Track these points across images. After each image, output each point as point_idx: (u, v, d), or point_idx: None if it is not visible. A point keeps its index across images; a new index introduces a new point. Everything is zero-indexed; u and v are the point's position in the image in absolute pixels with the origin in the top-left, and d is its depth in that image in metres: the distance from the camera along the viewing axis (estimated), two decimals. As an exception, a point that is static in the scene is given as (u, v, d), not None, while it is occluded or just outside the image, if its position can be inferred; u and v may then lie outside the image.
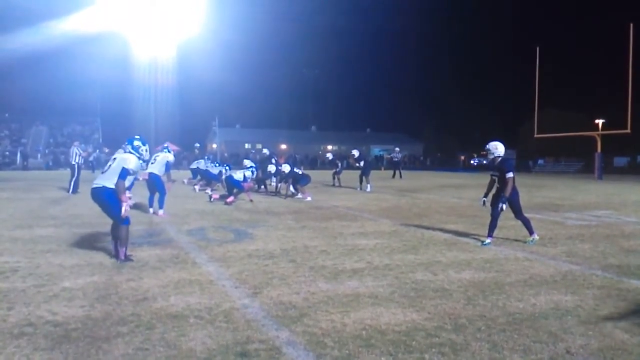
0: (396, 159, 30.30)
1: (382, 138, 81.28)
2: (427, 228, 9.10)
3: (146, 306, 4.34)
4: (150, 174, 10.65)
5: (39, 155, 47.30)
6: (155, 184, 10.64)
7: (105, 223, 9.13)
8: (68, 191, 15.95)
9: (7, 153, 47.89)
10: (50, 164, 45.58)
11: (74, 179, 16.02)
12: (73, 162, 16.28)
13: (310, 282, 5.22)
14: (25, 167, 42.38)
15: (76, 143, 17.43)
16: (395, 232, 8.57)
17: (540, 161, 57.66)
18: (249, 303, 4.46)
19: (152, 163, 10.66)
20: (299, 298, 4.63)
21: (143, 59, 59.56)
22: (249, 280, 5.26)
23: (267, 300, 4.54)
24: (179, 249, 6.83)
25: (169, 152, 11.61)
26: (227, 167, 16.31)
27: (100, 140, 56.60)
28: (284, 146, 68.12)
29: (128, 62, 59.02)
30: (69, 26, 54.40)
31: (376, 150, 74.96)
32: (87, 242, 7.26)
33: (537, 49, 34.37)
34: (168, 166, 10.92)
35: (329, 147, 76.17)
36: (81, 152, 16.86)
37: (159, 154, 11.17)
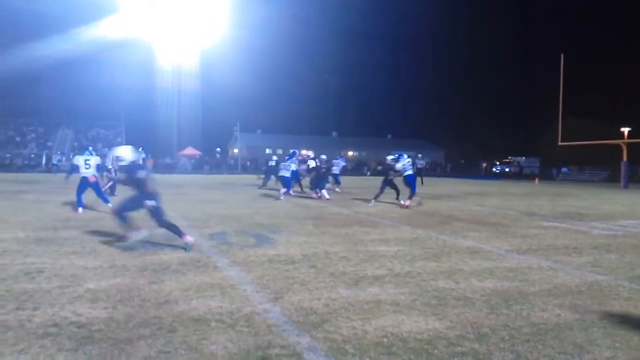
0: (420, 166, 30.55)
1: (403, 144, 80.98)
2: (449, 235, 9.02)
3: (168, 309, 4.37)
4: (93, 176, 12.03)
5: (59, 159, 48.02)
6: (96, 184, 12.12)
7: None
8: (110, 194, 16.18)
9: (33, 155, 48.83)
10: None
11: (110, 183, 16.48)
12: (110, 167, 16.64)
13: (331, 288, 5.20)
14: (50, 170, 43.16)
15: (114, 149, 17.76)
16: (417, 239, 8.51)
17: (564, 169, 56.91)
18: (270, 308, 4.47)
19: (87, 168, 12.00)
20: (320, 304, 4.62)
21: (167, 64, 60.51)
22: (270, 285, 5.27)
23: (288, 306, 4.54)
24: (200, 253, 6.87)
25: (97, 155, 13.24)
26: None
27: (124, 144, 57.34)
28: (304, 151, 68.29)
29: (152, 68, 60.05)
30: (95, 33, 55.49)
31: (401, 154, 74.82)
32: (110, 245, 7.35)
33: (562, 56, 33.99)
34: (99, 167, 12.52)
35: (350, 153, 76.15)
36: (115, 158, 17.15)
37: (90, 158, 12.35)
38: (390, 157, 15.95)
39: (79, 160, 12.52)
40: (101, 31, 57.47)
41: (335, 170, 21.38)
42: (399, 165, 15.04)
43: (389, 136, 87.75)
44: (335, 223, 10.43)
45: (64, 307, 4.37)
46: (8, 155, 47.92)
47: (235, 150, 68.64)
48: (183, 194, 18.36)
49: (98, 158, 12.78)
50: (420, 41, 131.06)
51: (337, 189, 20.78)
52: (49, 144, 54.29)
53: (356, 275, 5.79)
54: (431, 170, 57.14)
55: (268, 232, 8.96)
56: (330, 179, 20.41)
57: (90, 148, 14.97)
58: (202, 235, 8.41)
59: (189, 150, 58.61)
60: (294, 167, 17.85)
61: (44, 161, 46.63)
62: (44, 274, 5.52)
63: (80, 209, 11.59)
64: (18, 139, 54.50)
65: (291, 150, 19.52)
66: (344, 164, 22.93)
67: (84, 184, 11.92)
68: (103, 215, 10.91)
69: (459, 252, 7.39)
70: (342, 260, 6.57)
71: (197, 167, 54.04)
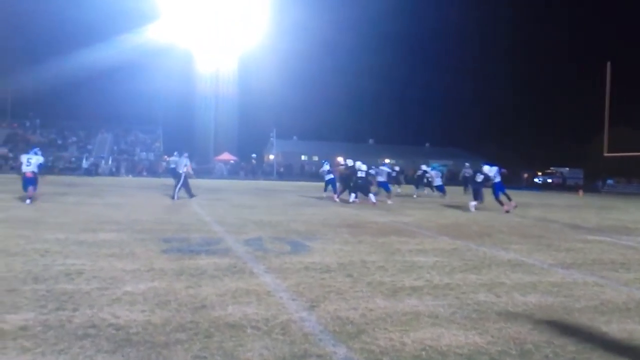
0: (467, 175, 30.84)
1: (442, 153, 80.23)
2: (489, 247, 8.81)
3: (204, 314, 4.36)
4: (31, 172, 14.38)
5: (91, 162, 49.16)
6: (33, 179, 14.37)
7: (165, 229, 9.41)
8: (172, 198, 17.21)
9: (74, 159, 50.14)
10: (114, 170, 47.38)
11: (179, 186, 17.37)
12: (180, 172, 17.49)
13: (368, 298, 5.11)
14: (89, 173, 44.26)
15: (186, 154, 18.70)
16: (456, 250, 8.33)
17: (609, 181, 55.28)
18: (306, 316, 4.41)
19: (27, 165, 14.28)
20: (357, 314, 4.54)
21: (205, 70, 61.41)
22: (306, 293, 5.22)
23: (324, 315, 4.47)
24: (236, 259, 6.87)
25: (40, 155, 15.18)
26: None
27: (162, 148, 58.41)
28: (340, 158, 68.26)
29: (191, 74, 61.06)
30: (136, 40, 56.86)
31: (435, 165, 74.00)
32: (148, 248, 7.42)
33: (608, 64, 33.08)
34: (41, 166, 14.81)
35: (386, 161, 75.78)
36: (189, 162, 18.26)
37: (32, 157, 14.56)
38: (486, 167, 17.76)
39: (23, 158, 14.89)
40: (142, 38, 58.91)
41: (381, 178, 21.30)
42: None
43: (427, 144, 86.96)
44: (372, 232, 10.33)
45: (102, 308, 4.40)
46: (50, 158, 49.37)
47: (271, 157, 69.08)
48: (219, 199, 18.53)
49: (41, 158, 15.01)
50: (461, 48, 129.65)
51: (389, 201, 20.25)
52: (89, 147, 55.70)
53: (394, 285, 5.68)
54: (470, 180, 56.25)
55: (304, 239, 8.92)
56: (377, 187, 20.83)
57: (37, 149, 16.42)
58: (238, 241, 8.43)
59: (225, 156, 59.31)
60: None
61: (83, 164, 47.85)
62: (83, 275, 5.60)
63: (27, 202, 13.87)
64: (60, 142, 56.08)
65: (323, 161, 19.89)
66: (388, 170, 22.68)
67: (24, 178, 14.30)
68: (142, 218, 11.07)
69: (500, 265, 7.19)
70: (379, 270, 6.47)
71: (233, 172, 54.62)
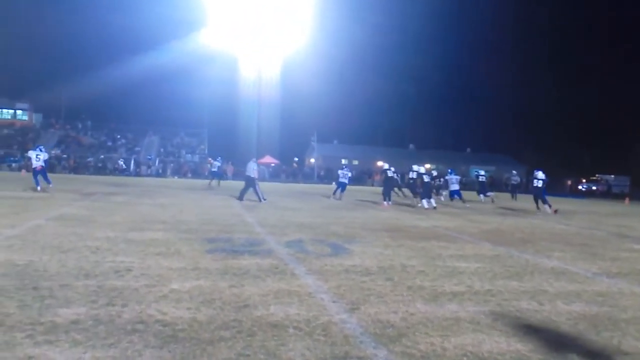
0: (515, 182, 31.10)
1: (483, 159, 78.77)
2: (532, 254, 8.66)
3: (247, 313, 4.46)
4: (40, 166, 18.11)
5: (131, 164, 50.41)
6: (43, 171, 18.16)
7: (209, 230, 9.62)
8: (259, 200, 17.97)
9: (122, 160, 51.61)
10: (160, 171, 48.53)
11: (257, 188, 18.26)
12: (252, 176, 18.35)
13: (408, 302, 5.13)
14: (137, 174, 45.49)
15: (254, 159, 19.47)
16: (497, 257, 8.23)
17: (657, 189, 53.20)
18: (347, 318, 4.46)
19: (37, 160, 17.96)
20: (397, 317, 4.56)
21: (249, 74, 62.23)
22: (347, 295, 5.27)
23: (364, 317, 4.51)
24: (278, 260, 6.98)
25: (43, 152, 18.63)
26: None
27: (206, 151, 59.46)
28: (380, 163, 67.97)
29: (235, 77, 61.96)
30: (183, 46, 58.15)
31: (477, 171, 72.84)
32: (193, 247, 7.62)
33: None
34: (46, 162, 18.77)
35: (427, 166, 75.05)
36: (257, 167, 19.35)
37: (40, 153, 18.27)
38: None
39: (32, 154, 18.40)
40: (189, 45, 60.24)
41: (455, 187, 23.10)
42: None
43: (468, 150, 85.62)
44: (412, 236, 10.29)
45: (150, 305, 4.56)
46: (100, 159, 50.94)
47: (312, 160, 69.36)
48: (261, 202, 18.75)
49: (46, 154, 18.92)
50: (502, 52, 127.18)
51: (467, 205, 21.67)
52: (137, 149, 57.22)
53: (434, 290, 5.67)
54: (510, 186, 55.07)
55: (344, 242, 8.97)
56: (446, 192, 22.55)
57: (42, 146, 19.92)
58: (279, 242, 8.55)
59: (267, 159, 59.92)
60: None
61: (131, 165, 49.22)
62: (132, 272, 5.81)
63: (38, 188, 17.28)
64: (109, 143, 57.81)
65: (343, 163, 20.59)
66: (458, 177, 24.24)
67: (35, 171, 17.98)
68: (187, 218, 11.35)
69: (543, 273, 7.07)
70: (420, 275, 6.47)
71: (274, 175, 55.12)
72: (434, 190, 22.71)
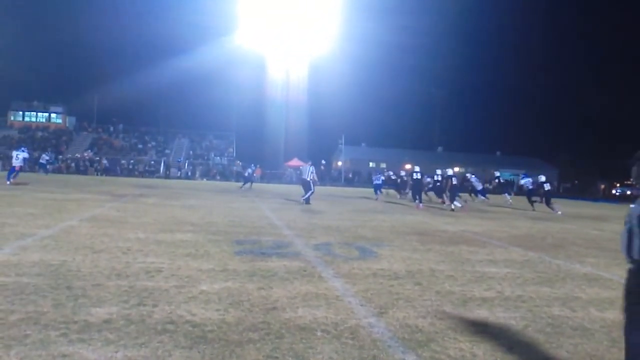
0: (530, 186, 31.04)
1: (513, 162, 77.66)
2: (564, 260, 8.49)
3: (276, 315, 4.48)
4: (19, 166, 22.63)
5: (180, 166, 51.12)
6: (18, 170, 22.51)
7: (238, 232, 9.69)
8: (305, 202, 18.67)
9: (153, 162, 52.44)
10: (189, 174, 49.14)
11: (311, 192, 18.84)
12: (308, 179, 19.02)
13: (437, 306, 5.08)
14: (167, 176, 46.16)
15: (310, 162, 20.59)
16: (528, 262, 8.09)
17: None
18: (375, 322, 4.44)
19: (16, 160, 22.34)
20: (426, 322, 4.52)
21: (277, 76, 62.63)
22: (375, 299, 5.25)
23: (392, 321, 4.49)
24: (306, 262, 7.00)
25: (26, 152, 23.99)
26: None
27: (234, 154, 59.96)
28: (408, 166, 67.69)
29: (263, 80, 62.47)
30: (212, 51, 58.91)
31: (506, 174, 71.72)
32: (222, 249, 7.68)
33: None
34: (25, 160, 23.56)
35: (456, 169, 74.30)
36: (314, 170, 20.04)
37: (20, 153, 22.91)
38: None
39: (13, 153, 22.63)
40: (218, 49, 61.05)
41: (479, 187, 26.45)
42: None
43: (498, 153, 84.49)
44: (441, 240, 10.19)
45: (180, 306, 4.62)
46: (132, 161, 51.85)
47: (340, 163, 69.34)
48: (289, 204, 18.84)
49: (26, 154, 23.73)
50: (533, 54, 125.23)
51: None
52: (167, 151, 58.05)
53: (463, 295, 5.61)
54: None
55: (372, 245, 8.94)
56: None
57: (23, 147, 24.72)
58: (307, 245, 8.57)
59: (295, 162, 60.10)
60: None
61: (161, 167, 49.98)
62: (162, 273, 5.89)
63: (8, 183, 20.55)
64: (140, 146, 58.79)
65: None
66: (477, 179, 27.13)
67: (12, 169, 22.16)
68: (216, 220, 11.46)
69: (575, 279, 6.93)
70: (449, 279, 6.40)
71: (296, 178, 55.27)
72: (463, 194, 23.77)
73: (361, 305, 4.97)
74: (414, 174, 21.38)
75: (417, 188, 21.09)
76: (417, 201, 20.41)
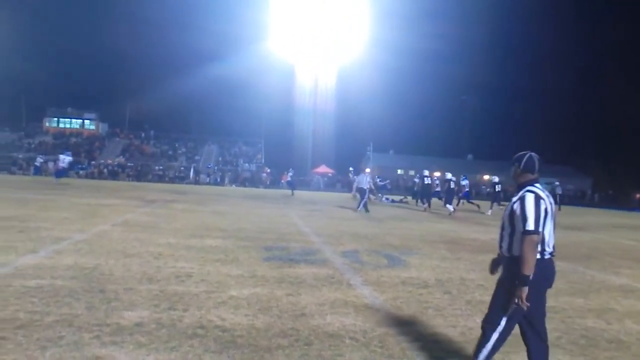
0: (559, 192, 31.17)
1: (545, 170, 75.98)
2: (598, 271, 8.30)
3: (304, 322, 4.49)
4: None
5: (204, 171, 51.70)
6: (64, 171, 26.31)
7: (266, 238, 9.74)
8: (357, 209, 19.00)
9: (182, 168, 53.13)
10: (218, 180, 49.61)
11: (364, 200, 18.99)
12: (365, 187, 19.31)
13: (467, 316, 5.02)
14: (197, 182, 46.71)
15: (367, 171, 21.01)
16: (560, 272, 7.86)
17: None
18: (404, 331, 4.41)
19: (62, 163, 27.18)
20: (456, 332, 4.47)
21: (305, 84, 62.94)
22: (403, 307, 5.21)
23: (421, 330, 4.45)
24: (334, 270, 6.99)
25: (69, 156, 28.18)
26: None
27: (262, 160, 60.34)
28: (437, 173, 67.12)
29: (291, 87, 62.86)
30: (242, 58, 59.60)
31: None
32: (251, 255, 7.74)
33: None
34: (71, 163, 26.62)
35: (486, 177, 73.30)
36: (370, 179, 20.50)
37: (65, 157, 27.66)
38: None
39: (60, 157, 27.37)
40: (247, 56, 61.72)
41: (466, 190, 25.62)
42: None
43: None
44: (471, 249, 10.07)
45: (209, 310, 4.67)
46: (161, 167, 52.59)
47: (367, 170, 69.20)
48: (316, 211, 18.86)
49: (70, 158, 27.97)
50: (567, 61, 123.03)
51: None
52: (197, 157, 58.73)
53: (494, 305, 5.52)
54: (576, 199, 53.05)
55: (400, 253, 8.89)
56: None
57: (68, 152, 28.29)
58: (335, 252, 8.56)
59: (322, 168, 60.17)
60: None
61: (191, 173, 50.58)
62: (192, 278, 5.96)
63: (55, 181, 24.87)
64: (170, 152, 59.61)
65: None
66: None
67: (57, 170, 27.04)
68: (245, 226, 11.54)
69: (610, 290, 6.76)
70: (479, 289, 6.32)
71: (330, 185, 55.23)
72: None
73: (390, 313, 4.94)
74: (425, 179, 22.90)
75: (427, 193, 22.71)
76: (425, 205, 22.10)
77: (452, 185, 21.21)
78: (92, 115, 64.11)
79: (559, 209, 28.97)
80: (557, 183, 31.55)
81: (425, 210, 21.68)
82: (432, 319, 4.82)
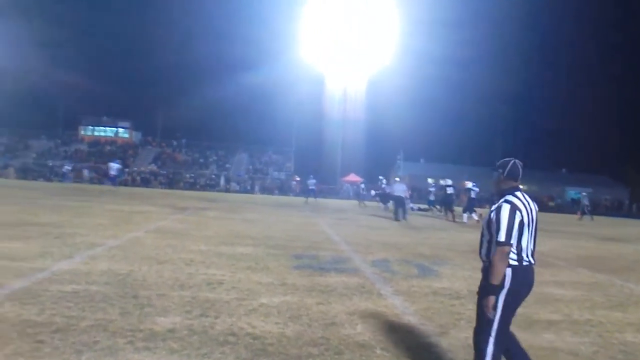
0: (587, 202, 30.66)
1: (580, 180, 74.43)
2: (637, 284, 8.06)
3: (335, 331, 4.47)
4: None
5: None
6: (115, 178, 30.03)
7: (296, 246, 9.76)
8: (401, 218, 18.97)
9: (213, 176, 53.75)
10: (249, 188, 50.03)
11: (405, 208, 19.52)
12: (403, 196, 19.68)
13: (500, 328, 4.92)
14: (227, 190, 47.17)
15: (403, 180, 21.02)
16: (597, 285, 7.73)
17: None
18: (436, 342, 4.35)
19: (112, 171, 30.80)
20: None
21: (335, 92, 63.09)
22: (435, 318, 5.15)
23: (454, 342, 4.39)
24: (364, 279, 6.96)
25: (118, 164, 31.35)
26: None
27: (292, 169, 60.59)
28: (467, 182, 66.31)
29: (321, 96, 63.11)
30: (272, 68, 60.21)
31: (572, 192, 68.87)
32: (281, 263, 7.76)
33: None
34: (119, 170, 30.62)
35: (523, 187, 72.03)
36: (407, 188, 21.08)
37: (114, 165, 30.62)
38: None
39: (110, 165, 30.83)
40: (277, 65, 62.30)
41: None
42: None
43: (564, 170, 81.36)
44: (503, 259, 9.88)
45: (240, 318, 4.69)
46: (193, 175, 53.30)
47: (397, 179, 68.79)
48: (345, 219, 18.83)
49: (119, 166, 30.33)
50: (602, 68, 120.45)
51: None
52: (227, 165, 59.34)
53: (528, 318, 5.41)
54: (613, 210, 51.72)
55: (431, 263, 8.79)
56: None
57: (117, 160, 28.79)
58: (365, 261, 8.52)
59: (352, 177, 60.05)
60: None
61: (222, 181, 51.13)
62: (223, 285, 6.00)
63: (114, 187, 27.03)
64: (202, 160, 60.35)
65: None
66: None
67: (110, 177, 30.94)
68: (274, 234, 11.59)
69: (650, 304, 6.56)
70: (512, 300, 6.19)
71: (359, 193, 55.14)
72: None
73: (421, 325, 4.89)
74: (447, 188, 22.71)
75: (448, 202, 22.58)
76: (449, 214, 21.89)
77: (473, 194, 21.07)
78: (126, 124, 65.33)
79: (592, 219, 28.39)
80: (584, 194, 30.99)
81: (449, 219, 21.43)
82: (464, 331, 4.75)
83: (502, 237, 3.18)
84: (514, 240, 3.22)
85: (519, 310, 5.66)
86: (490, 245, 3.35)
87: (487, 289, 3.28)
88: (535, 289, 7.06)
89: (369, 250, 10.01)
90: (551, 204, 52.03)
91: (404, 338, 4.40)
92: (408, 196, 20.67)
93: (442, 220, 22.03)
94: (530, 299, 6.34)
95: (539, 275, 8.24)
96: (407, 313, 5.30)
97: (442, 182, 23.82)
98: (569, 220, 27.30)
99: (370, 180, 57.41)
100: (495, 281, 3.23)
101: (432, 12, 61.46)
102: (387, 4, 57.69)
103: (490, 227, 3.30)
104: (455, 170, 73.51)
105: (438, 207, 27.26)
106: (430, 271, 7.96)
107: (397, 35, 59.03)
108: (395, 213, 19.36)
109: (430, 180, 59.87)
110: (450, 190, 22.51)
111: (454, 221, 20.49)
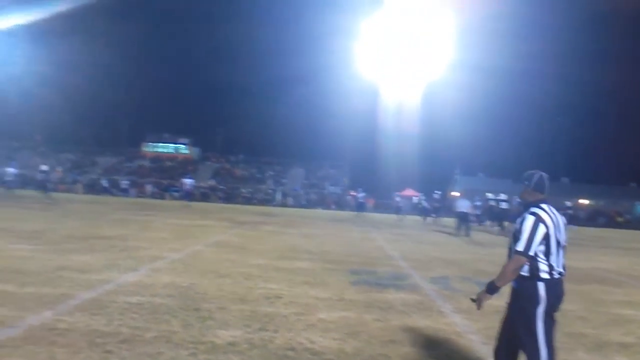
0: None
1: (649, 191, 70.82)
2: None
3: (394, 349, 4.41)
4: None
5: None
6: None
7: (353, 262, 9.72)
8: (465, 234, 18.59)
9: (270, 191, 54.50)
10: (305, 202, 50.38)
11: (468, 224, 19.22)
12: (466, 211, 19.44)
13: (567, 350, 4.72)
14: (284, 204, 47.68)
15: (465, 195, 21.19)
16: (673, 306, 7.29)
17: None
18: (499, 362, 4.20)
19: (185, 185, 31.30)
20: (556, 366, 4.21)
21: (390, 105, 62.87)
22: (498, 337, 4.98)
23: (518, 363, 4.22)
24: (423, 296, 6.84)
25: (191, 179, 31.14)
26: None
27: (347, 183, 60.60)
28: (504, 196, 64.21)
29: (376, 109, 63.04)
30: (329, 83, 60.75)
31: (640, 207, 65.47)
32: (338, 278, 7.74)
33: None
34: (192, 184, 30.46)
35: (583, 202, 69.29)
36: (470, 204, 20.76)
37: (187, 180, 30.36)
38: None
39: (184, 180, 30.28)
40: (332, 78, 62.80)
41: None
42: None
43: (632, 184, 77.63)
44: (570, 278, 9.41)
45: (299, 333, 4.70)
46: (250, 190, 54.22)
47: (454, 194, 67.50)
48: (403, 235, 18.62)
49: (193, 181, 30.15)
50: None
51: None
52: (284, 180, 60.03)
53: (598, 339, 5.17)
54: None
55: (492, 280, 8.53)
56: None
57: (189, 175, 27.11)
58: (424, 278, 8.38)
59: (408, 192, 59.43)
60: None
61: (278, 196, 51.76)
62: (281, 300, 6.04)
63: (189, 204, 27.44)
64: (259, 175, 61.35)
65: None
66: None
67: (186, 194, 31.48)
68: (332, 249, 11.59)
69: None
70: (580, 321, 5.94)
71: (414, 208, 54.43)
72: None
73: (483, 344, 4.75)
74: (501, 203, 22.97)
75: (501, 216, 22.74)
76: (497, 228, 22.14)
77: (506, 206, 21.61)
78: (186, 140, 67.34)
79: None
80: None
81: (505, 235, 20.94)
82: (530, 352, 4.58)
83: (521, 246, 3.21)
84: (538, 253, 3.24)
85: (589, 331, 5.45)
86: None
87: (525, 300, 3.33)
88: (604, 309, 6.80)
89: (427, 266, 9.84)
90: (620, 219, 49.61)
91: (465, 357, 4.29)
92: (472, 212, 20.28)
93: (500, 236, 21.43)
94: (598, 319, 6.11)
95: (609, 294, 7.93)
96: (469, 332, 5.16)
97: (490, 196, 23.56)
98: (639, 237, 25.96)
99: (426, 195, 56.69)
100: (500, 283, 3.37)
101: (489, 23, 60.49)
102: (442, 14, 57.20)
103: (515, 237, 3.31)
104: (514, 185, 71.50)
105: (489, 222, 26.59)
106: (491, 289, 7.72)
107: (453, 46, 58.32)
108: (457, 229, 18.98)
109: (489, 195, 58.47)
110: (504, 206, 22.09)
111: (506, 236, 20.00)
